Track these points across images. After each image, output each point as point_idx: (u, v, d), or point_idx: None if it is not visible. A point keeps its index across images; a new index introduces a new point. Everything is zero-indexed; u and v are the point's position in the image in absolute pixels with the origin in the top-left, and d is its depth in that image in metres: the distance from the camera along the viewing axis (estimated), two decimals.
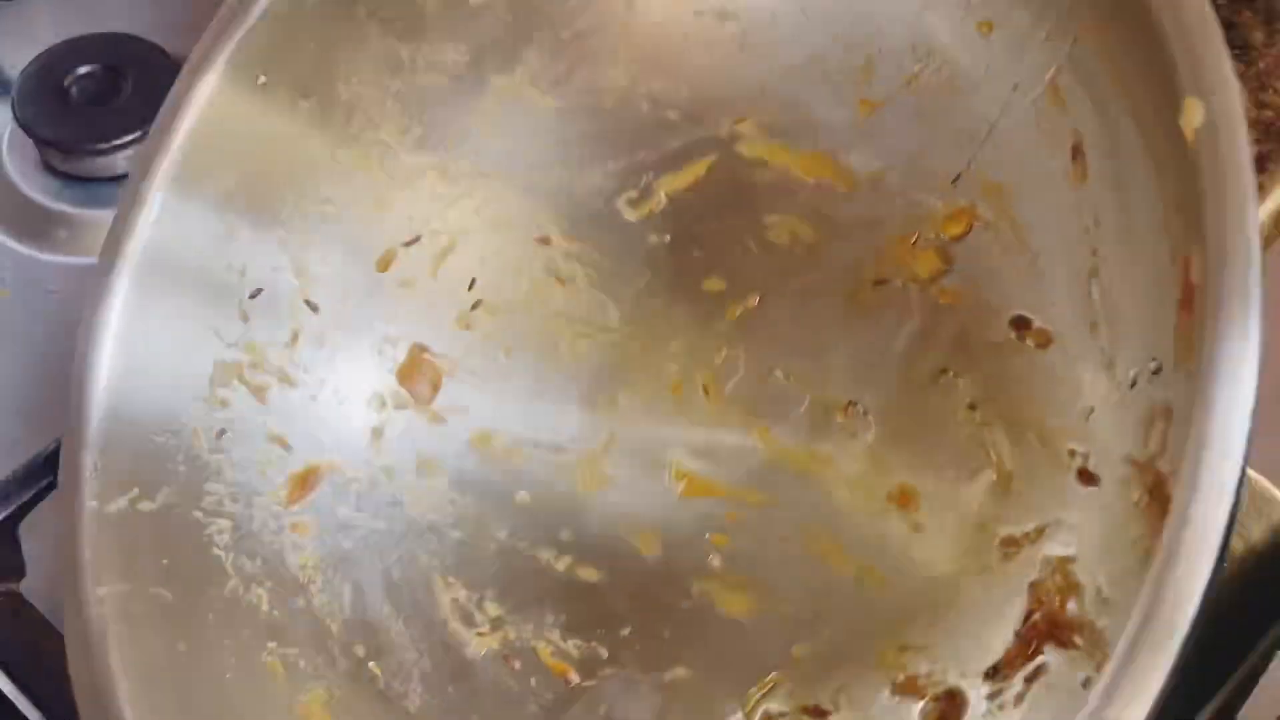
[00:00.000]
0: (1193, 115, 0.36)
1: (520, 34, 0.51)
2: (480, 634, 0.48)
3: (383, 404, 0.50)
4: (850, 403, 0.49)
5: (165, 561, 0.44)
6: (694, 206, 0.52)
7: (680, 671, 0.47)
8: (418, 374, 0.51)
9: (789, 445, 0.49)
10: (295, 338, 0.49)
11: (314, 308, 0.49)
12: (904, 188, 0.49)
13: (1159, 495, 0.38)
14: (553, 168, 0.52)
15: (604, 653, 0.48)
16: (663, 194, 0.52)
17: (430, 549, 0.49)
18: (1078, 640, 0.41)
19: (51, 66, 0.62)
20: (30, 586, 0.50)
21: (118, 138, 0.60)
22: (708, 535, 0.49)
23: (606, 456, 0.51)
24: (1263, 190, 0.56)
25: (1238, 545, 0.49)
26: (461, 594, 0.49)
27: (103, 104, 0.61)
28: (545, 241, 0.52)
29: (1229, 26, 0.59)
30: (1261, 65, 0.62)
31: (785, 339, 0.50)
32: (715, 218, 0.52)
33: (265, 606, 0.45)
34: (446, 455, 0.50)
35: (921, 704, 0.44)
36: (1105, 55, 0.42)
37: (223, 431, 0.46)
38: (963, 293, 0.48)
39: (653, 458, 0.51)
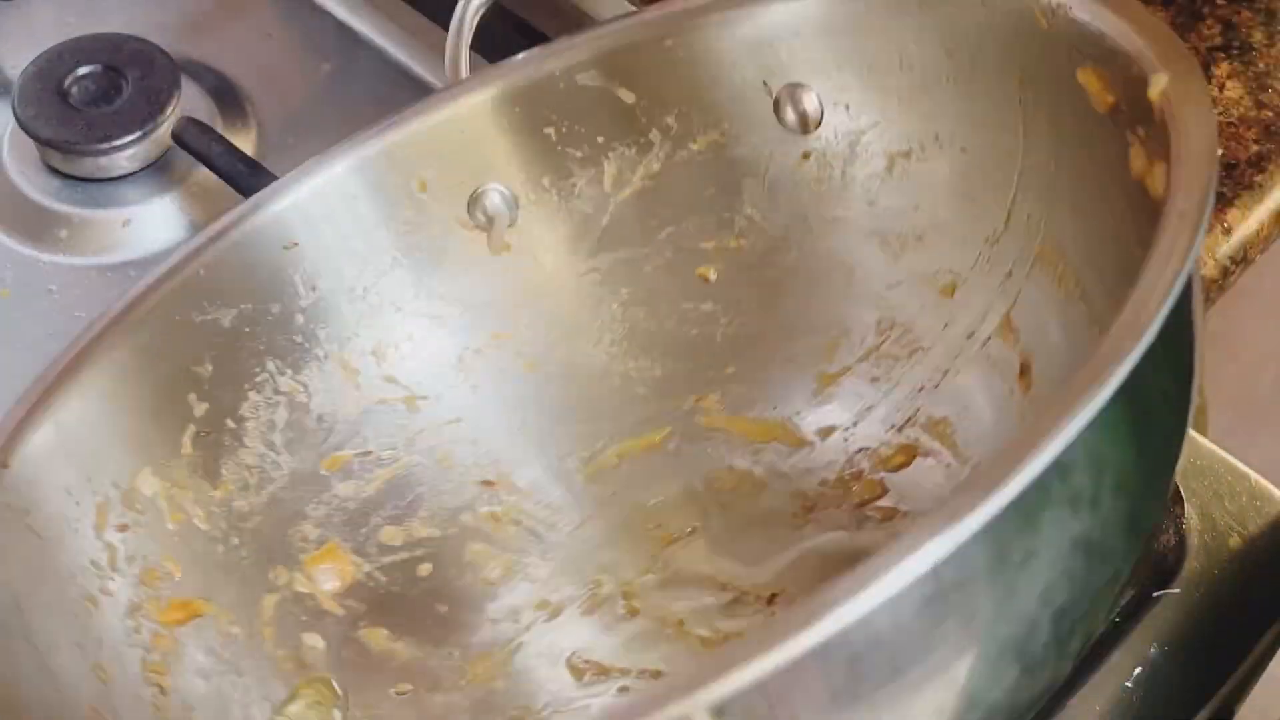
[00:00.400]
0: None
1: (516, 303, 0.53)
2: None
3: (285, 580, 0.50)
4: (774, 595, 0.50)
5: (35, 587, 0.44)
6: (643, 467, 0.54)
7: None
8: (330, 567, 0.51)
9: (701, 632, 0.50)
10: (223, 491, 0.49)
11: (250, 472, 0.50)
12: (850, 439, 0.52)
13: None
14: (514, 424, 0.54)
15: None
16: (615, 457, 0.54)
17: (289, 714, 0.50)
18: None
19: (52, 67, 0.61)
20: None
21: (118, 138, 0.60)
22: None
23: (503, 661, 0.51)
24: (1262, 190, 0.60)
25: (1237, 543, 0.51)
26: None
27: (103, 104, 0.61)
28: (489, 485, 0.54)
29: (1228, 26, 0.64)
30: (1261, 65, 0.63)
31: (715, 557, 0.52)
32: (662, 476, 0.54)
33: (107, 679, 0.44)
34: (332, 640, 0.50)
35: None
36: (1059, 259, 0.46)
37: (125, 526, 0.46)
38: (897, 510, 0.51)
39: (553, 658, 0.51)
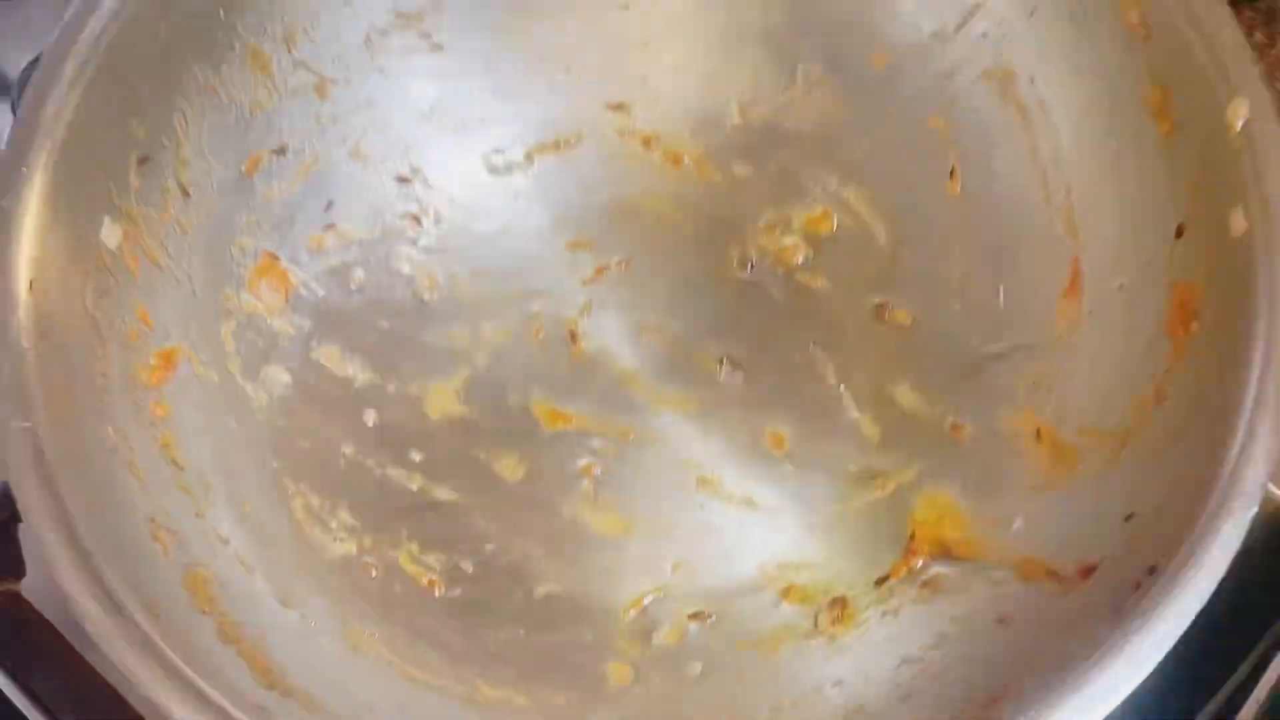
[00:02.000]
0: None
1: None
2: (338, 540, 0.49)
3: (235, 303, 0.51)
4: (722, 357, 0.53)
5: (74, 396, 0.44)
6: (562, 174, 0.56)
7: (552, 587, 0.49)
8: (269, 281, 0.52)
9: (660, 389, 0.53)
10: (167, 215, 0.49)
11: (185, 192, 0.50)
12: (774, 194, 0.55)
13: (1046, 438, 0.47)
14: (433, 110, 0.55)
15: (469, 567, 0.50)
16: (533, 156, 0.56)
17: (280, 454, 0.50)
18: (966, 553, 0.47)
19: None
20: (30, 586, 0.47)
21: None
22: (578, 464, 0.51)
23: (460, 390, 0.53)
24: None
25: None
26: (314, 501, 0.50)
27: None
28: (405, 181, 0.55)
29: None
30: (1262, 65, 0.59)
31: (652, 298, 0.54)
32: (579, 188, 0.56)
33: (140, 478, 0.45)
34: (292, 365, 0.52)
35: (813, 608, 0.48)
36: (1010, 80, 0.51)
37: (104, 292, 0.47)
38: (813, 264, 0.54)
39: (511, 392, 0.53)
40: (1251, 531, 0.46)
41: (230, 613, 0.44)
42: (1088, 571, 0.44)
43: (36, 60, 0.55)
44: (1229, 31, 0.45)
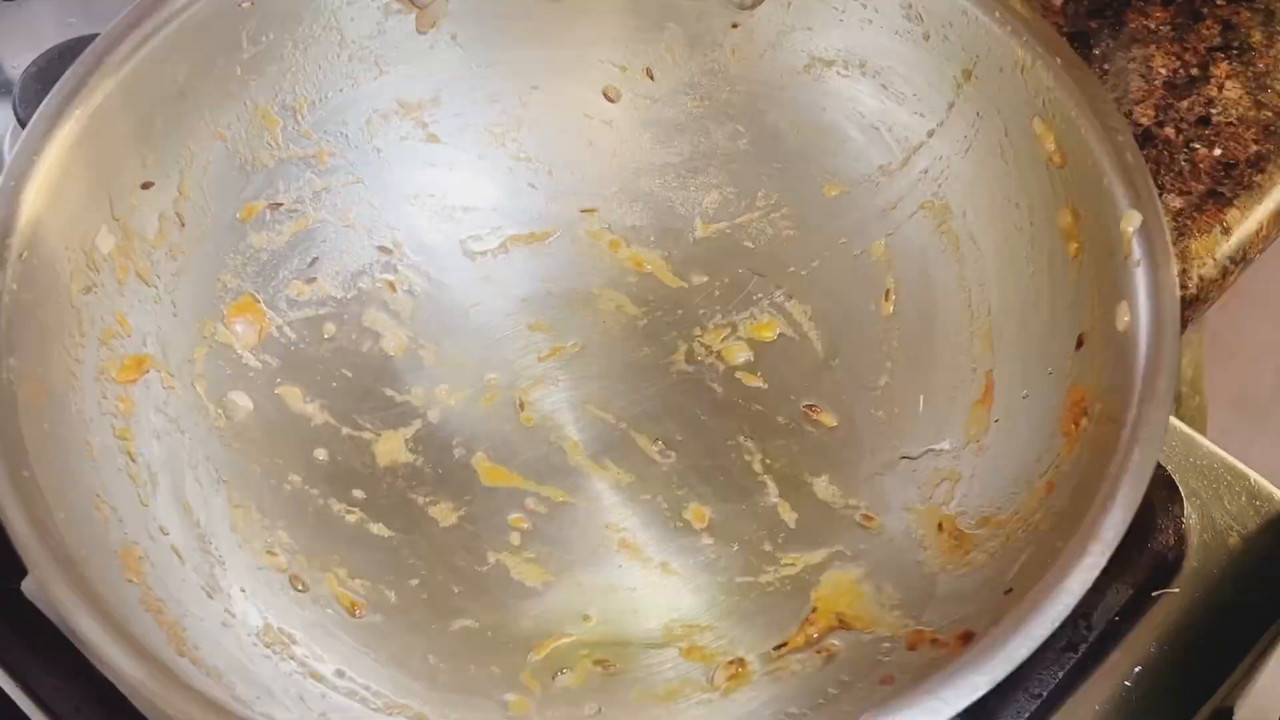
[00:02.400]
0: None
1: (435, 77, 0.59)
2: (271, 553, 0.52)
3: (211, 331, 0.55)
4: (658, 438, 0.56)
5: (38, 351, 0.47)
6: (532, 263, 0.60)
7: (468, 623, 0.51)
8: (246, 319, 0.56)
9: (597, 460, 0.56)
10: (161, 242, 0.53)
11: (181, 222, 0.54)
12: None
13: (947, 528, 0.50)
14: (421, 194, 0.60)
15: (392, 596, 0.52)
16: (507, 245, 0.60)
17: (230, 470, 0.53)
18: (861, 626, 0.49)
19: (52, 67, 0.61)
20: (31, 586, 0.50)
21: None
22: (508, 517, 0.54)
23: (409, 439, 0.56)
24: (1261, 190, 0.62)
25: (1236, 542, 0.52)
26: (255, 517, 0.52)
27: None
28: (386, 251, 0.59)
29: (1228, 26, 0.66)
30: (1261, 66, 0.63)
31: (600, 379, 0.58)
32: (546, 277, 0.60)
33: (93, 457, 0.48)
34: (255, 395, 0.55)
35: (711, 667, 0.50)
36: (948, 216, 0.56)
37: (89, 289, 0.50)
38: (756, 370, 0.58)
39: (456, 446, 0.56)
40: (1251, 532, 0.49)
41: (155, 589, 0.47)
42: (967, 638, 0.46)
43: (39, 59, 0.62)
44: (1130, 155, 0.49)
